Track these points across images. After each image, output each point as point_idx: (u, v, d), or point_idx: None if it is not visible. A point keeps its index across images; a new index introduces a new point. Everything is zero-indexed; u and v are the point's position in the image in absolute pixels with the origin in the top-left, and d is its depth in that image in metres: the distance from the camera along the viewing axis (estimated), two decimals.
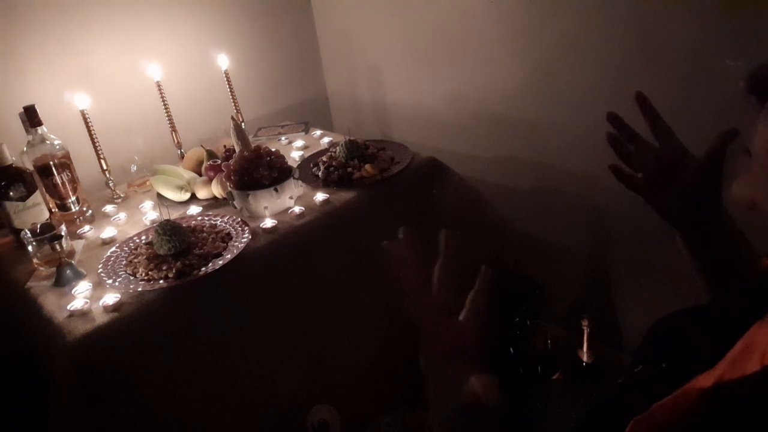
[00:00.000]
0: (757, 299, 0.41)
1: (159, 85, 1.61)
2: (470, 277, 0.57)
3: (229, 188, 1.34)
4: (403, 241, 0.59)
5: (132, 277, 1.15)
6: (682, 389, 0.40)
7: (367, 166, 1.43)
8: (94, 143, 1.48)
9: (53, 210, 1.42)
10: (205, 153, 1.54)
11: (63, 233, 1.20)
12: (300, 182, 1.37)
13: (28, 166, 1.37)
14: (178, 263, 1.14)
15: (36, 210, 1.33)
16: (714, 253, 0.70)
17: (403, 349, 0.75)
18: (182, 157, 1.66)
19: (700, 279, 0.72)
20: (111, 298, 1.09)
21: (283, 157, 1.37)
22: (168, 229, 1.17)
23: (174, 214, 1.32)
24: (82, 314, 1.07)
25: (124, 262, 1.20)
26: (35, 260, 1.22)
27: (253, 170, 1.30)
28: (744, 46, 1.14)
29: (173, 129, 1.66)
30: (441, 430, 0.54)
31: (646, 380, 0.50)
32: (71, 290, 1.15)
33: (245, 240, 1.21)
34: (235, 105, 1.74)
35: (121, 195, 1.56)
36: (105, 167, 1.51)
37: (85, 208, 1.45)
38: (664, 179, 0.72)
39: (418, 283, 0.57)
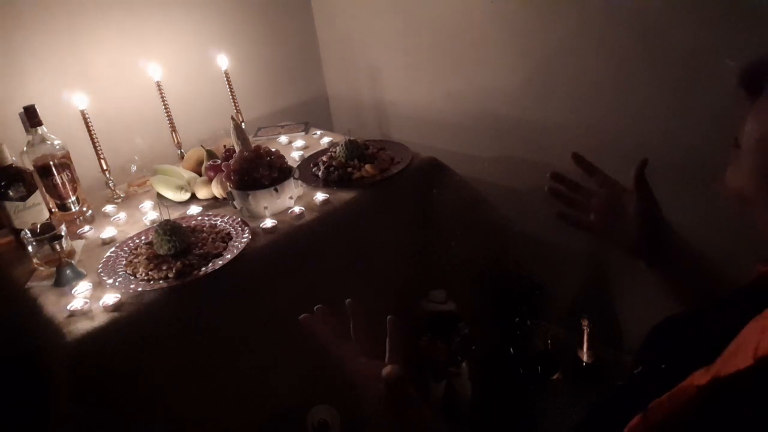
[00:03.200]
0: (755, 302, 0.41)
1: (159, 85, 1.61)
2: (383, 327, 0.70)
3: (229, 188, 1.34)
4: (318, 315, 0.72)
5: (132, 277, 1.15)
6: (679, 387, 0.40)
7: (367, 166, 1.43)
8: (94, 143, 1.48)
9: (53, 210, 1.42)
10: (205, 153, 1.54)
11: (63, 233, 1.20)
12: (300, 182, 1.37)
13: (28, 166, 1.37)
14: (178, 263, 1.14)
15: (36, 210, 1.33)
16: (673, 270, 0.78)
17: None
18: (182, 157, 1.66)
19: (670, 297, 0.79)
20: (111, 298, 1.09)
21: (283, 157, 1.37)
22: (168, 229, 1.17)
23: (174, 214, 1.32)
24: (82, 314, 1.07)
25: (124, 262, 1.20)
26: (35, 260, 1.22)
27: (253, 170, 1.30)
28: (744, 46, 1.14)
29: (173, 129, 1.66)
30: (372, 423, 0.66)
31: (645, 381, 0.50)
32: (71, 290, 1.15)
33: (245, 240, 1.21)
34: (235, 105, 1.74)
35: (121, 195, 1.56)
36: (105, 167, 1.51)
37: (85, 208, 1.45)
38: (611, 216, 0.81)
39: (339, 340, 0.69)
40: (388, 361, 0.68)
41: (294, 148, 1.71)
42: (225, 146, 1.58)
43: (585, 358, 1.67)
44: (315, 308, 0.73)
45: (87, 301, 1.09)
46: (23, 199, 1.31)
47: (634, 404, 0.42)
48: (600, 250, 1.66)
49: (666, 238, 0.77)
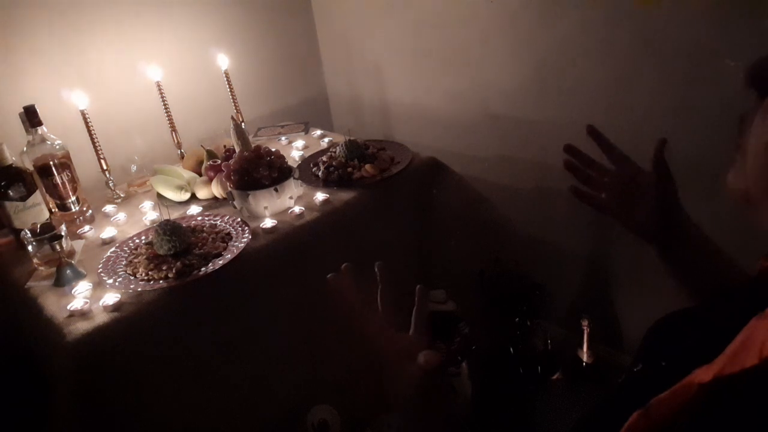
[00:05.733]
0: (756, 298, 0.41)
1: (159, 85, 1.61)
2: (409, 297, 0.68)
3: (229, 188, 1.34)
4: (344, 273, 0.69)
5: (132, 277, 1.15)
6: (681, 384, 0.40)
7: (367, 166, 1.43)
8: (94, 143, 1.48)
9: (53, 210, 1.42)
10: (205, 153, 1.54)
11: (63, 233, 1.20)
12: (300, 182, 1.37)
13: (28, 166, 1.37)
14: (178, 263, 1.14)
15: (36, 210, 1.33)
16: (685, 259, 0.75)
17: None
18: (182, 157, 1.66)
19: (678, 287, 0.76)
20: (111, 298, 1.09)
21: (283, 157, 1.37)
22: (168, 229, 1.17)
23: (174, 214, 1.32)
24: (82, 314, 1.07)
25: (124, 262, 1.20)
26: (35, 260, 1.22)
27: (253, 170, 1.30)
28: (744, 46, 1.14)
29: (173, 129, 1.66)
30: (400, 407, 0.63)
31: (645, 378, 0.50)
32: (71, 290, 1.15)
33: (245, 240, 1.21)
34: (235, 105, 1.74)
35: (121, 195, 1.56)
36: (105, 167, 1.51)
37: (85, 208, 1.45)
38: (625, 196, 0.78)
39: (365, 307, 0.67)
40: (413, 332, 0.65)
41: (294, 148, 1.71)
42: (225, 146, 1.58)
43: (585, 358, 1.67)
44: (342, 266, 0.70)
45: (87, 301, 1.09)
46: (23, 199, 1.31)
47: (634, 401, 0.42)
48: (600, 249, 1.66)
49: (680, 224, 0.74)
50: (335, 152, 1.49)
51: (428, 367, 0.57)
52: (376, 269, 0.69)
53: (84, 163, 1.49)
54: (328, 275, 0.68)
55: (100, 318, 1.05)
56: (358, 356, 0.66)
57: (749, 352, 0.38)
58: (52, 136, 1.39)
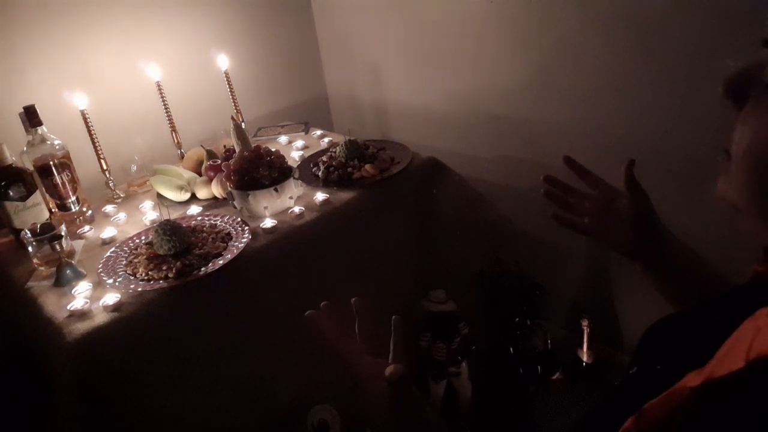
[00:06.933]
0: (752, 301, 0.41)
1: (159, 85, 1.61)
2: (387, 326, 0.71)
3: (229, 188, 1.34)
4: (323, 311, 0.72)
5: (132, 277, 1.15)
6: (673, 388, 0.41)
7: (367, 166, 1.43)
8: (94, 143, 1.48)
9: (53, 210, 1.42)
10: (205, 153, 1.55)
11: (63, 233, 1.20)
12: (300, 182, 1.37)
13: (28, 166, 1.37)
14: (178, 263, 1.14)
15: (36, 210, 1.33)
16: (668, 273, 0.77)
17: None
18: (182, 157, 1.66)
19: (667, 300, 0.78)
20: (111, 298, 1.09)
21: (283, 157, 1.37)
22: (168, 229, 1.17)
23: (174, 214, 1.32)
24: (82, 314, 1.07)
25: (124, 262, 1.20)
26: (35, 260, 1.22)
27: (253, 170, 1.30)
28: (744, 46, 1.14)
29: (173, 129, 1.66)
30: (374, 424, 0.66)
31: (640, 382, 0.50)
32: (71, 290, 1.15)
33: (245, 240, 1.21)
34: (235, 105, 1.74)
35: (121, 195, 1.56)
36: (105, 167, 1.51)
37: (85, 208, 1.45)
38: (605, 218, 0.81)
39: (344, 336, 0.70)
40: (391, 360, 0.68)
41: (294, 148, 1.71)
42: (225, 146, 1.58)
43: (585, 358, 1.67)
44: (321, 305, 0.73)
45: (87, 301, 1.09)
46: (23, 199, 1.31)
47: (629, 405, 0.42)
48: (600, 250, 1.66)
49: (660, 240, 0.77)
50: (335, 152, 1.49)
51: (393, 378, 0.60)
52: (352, 304, 0.73)
53: (84, 163, 1.49)
54: (306, 312, 0.71)
55: (100, 318, 1.05)
56: (339, 377, 0.69)
57: (737, 355, 0.38)
58: (52, 136, 1.39)
